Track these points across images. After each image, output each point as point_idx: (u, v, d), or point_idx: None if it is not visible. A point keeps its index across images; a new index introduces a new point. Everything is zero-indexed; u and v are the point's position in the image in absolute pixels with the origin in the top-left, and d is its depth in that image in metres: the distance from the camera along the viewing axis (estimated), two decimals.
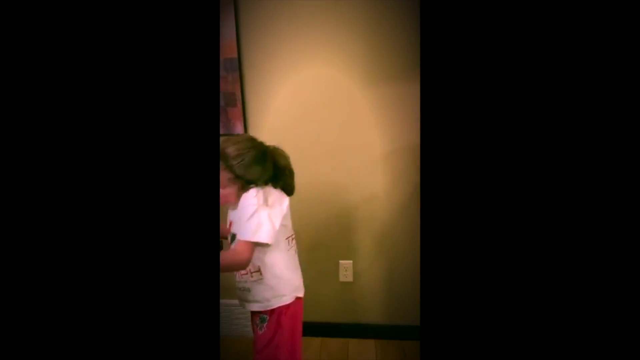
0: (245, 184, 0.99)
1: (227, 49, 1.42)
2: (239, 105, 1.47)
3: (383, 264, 1.61)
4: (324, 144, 1.49)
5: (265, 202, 0.97)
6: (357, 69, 1.42)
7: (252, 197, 0.95)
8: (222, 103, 1.48)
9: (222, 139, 0.98)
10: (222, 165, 0.96)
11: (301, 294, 1.12)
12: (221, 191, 0.98)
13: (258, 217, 0.94)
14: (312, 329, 1.62)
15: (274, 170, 1.02)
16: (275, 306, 1.06)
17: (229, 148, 0.96)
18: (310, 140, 1.47)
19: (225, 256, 0.91)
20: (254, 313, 1.11)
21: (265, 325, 1.08)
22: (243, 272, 1.06)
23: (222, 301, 1.67)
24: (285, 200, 1.05)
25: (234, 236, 1.00)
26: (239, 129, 1.49)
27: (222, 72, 1.45)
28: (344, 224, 1.58)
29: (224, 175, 0.97)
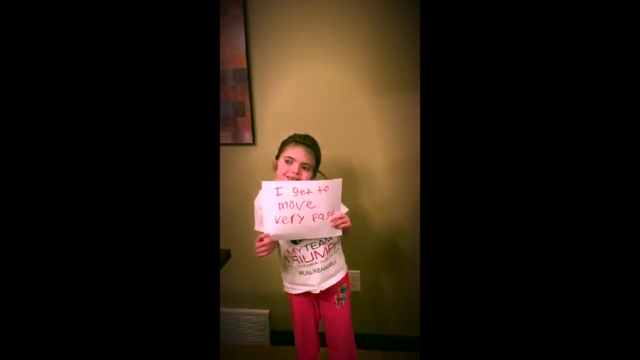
0: (315, 171, 1.21)
1: (236, 60, 1.45)
2: (248, 114, 1.49)
3: (391, 273, 1.60)
4: (331, 152, 1.49)
5: None
6: (365, 78, 1.43)
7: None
8: (231, 113, 1.50)
9: (294, 135, 1.19)
10: (313, 152, 1.17)
11: None
12: (306, 174, 1.15)
13: None
14: (320, 339, 1.61)
15: None
16: (346, 268, 1.27)
17: (308, 139, 1.18)
18: None
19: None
20: (332, 293, 1.22)
21: (346, 294, 1.25)
22: (331, 244, 1.21)
23: (230, 309, 1.67)
24: None
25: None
26: (247, 138, 1.51)
27: (231, 83, 1.47)
28: (351, 234, 1.57)
29: (313, 161, 1.17)
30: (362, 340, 1.66)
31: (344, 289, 1.25)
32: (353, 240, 1.57)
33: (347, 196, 1.54)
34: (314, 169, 1.20)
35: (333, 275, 1.21)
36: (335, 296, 1.23)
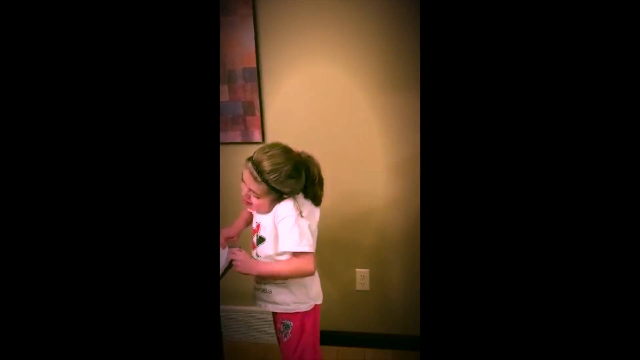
0: (279, 196, 1.02)
1: (246, 59, 1.46)
2: (257, 113, 1.50)
3: (400, 272, 1.59)
4: (341, 150, 1.49)
5: (301, 213, 1.01)
6: (375, 77, 1.43)
7: (290, 209, 1.00)
8: (240, 112, 1.51)
9: (257, 150, 1.02)
10: (257, 178, 0.97)
11: (319, 302, 1.15)
12: (256, 201, 1.01)
13: (300, 228, 0.99)
14: (329, 338, 1.61)
15: (306, 180, 1.05)
16: (293, 311, 1.08)
17: (265, 162, 0.97)
18: (327, 147, 1.47)
19: (291, 266, 1.01)
20: (277, 320, 1.14)
21: (289, 332, 1.11)
22: None
23: (240, 307, 1.68)
24: (317, 212, 1.10)
25: (261, 239, 1.07)
26: (257, 136, 1.52)
27: (241, 82, 1.48)
28: (360, 232, 1.57)
29: (260, 188, 0.98)
30: (372, 340, 1.66)
31: (288, 327, 1.14)
32: (361, 238, 1.57)
33: (356, 196, 1.54)
34: (273, 194, 1.01)
35: (263, 301, 1.14)
36: (281, 325, 1.16)
